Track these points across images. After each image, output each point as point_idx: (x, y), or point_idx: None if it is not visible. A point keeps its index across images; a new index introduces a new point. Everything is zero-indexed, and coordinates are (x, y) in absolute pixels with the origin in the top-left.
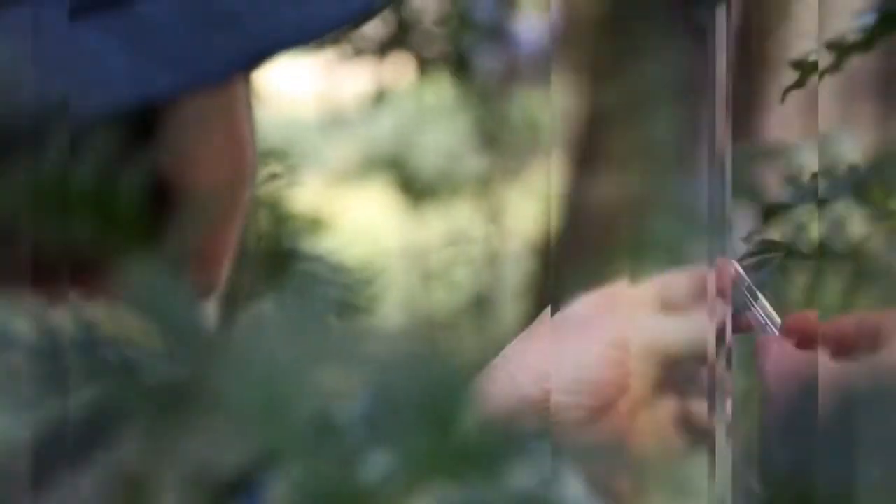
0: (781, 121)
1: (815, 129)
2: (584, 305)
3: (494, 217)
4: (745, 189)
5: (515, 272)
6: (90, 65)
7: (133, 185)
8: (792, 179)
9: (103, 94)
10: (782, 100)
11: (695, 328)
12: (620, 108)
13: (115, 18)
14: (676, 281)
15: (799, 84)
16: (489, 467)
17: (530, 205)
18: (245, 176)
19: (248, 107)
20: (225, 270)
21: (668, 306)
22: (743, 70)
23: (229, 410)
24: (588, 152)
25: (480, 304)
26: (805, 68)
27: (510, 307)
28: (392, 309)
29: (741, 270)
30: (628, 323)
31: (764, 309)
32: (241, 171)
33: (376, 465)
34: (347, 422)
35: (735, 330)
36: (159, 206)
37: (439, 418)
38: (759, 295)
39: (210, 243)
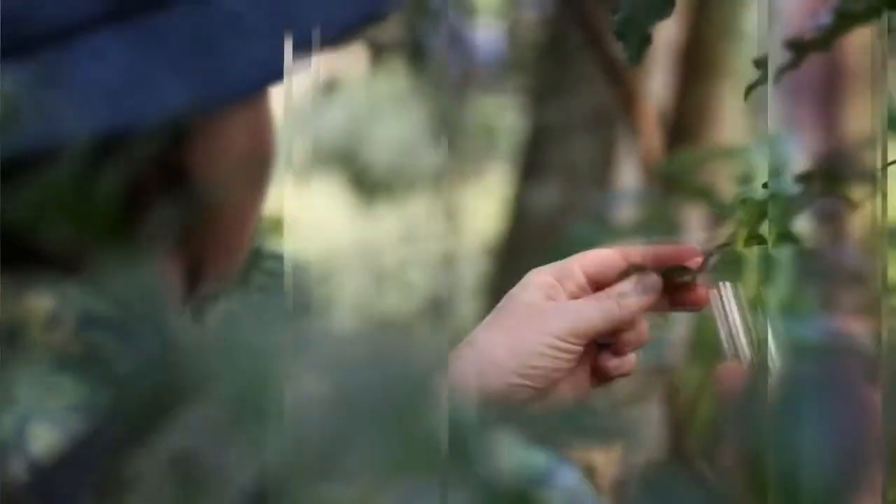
0: (726, 126)
1: (758, 134)
2: (531, 291)
3: (450, 216)
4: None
5: (470, 271)
6: (110, 79)
7: (112, 185)
8: (745, 180)
9: (115, 108)
10: (776, 81)
11: (617, 307)
12: (557, 127)
13: (133, 35)
14: (604, 258)
15: (795, 64)
16: (460, 460)
17: (485, 205)
18: (267, 171)
19: (270, 107)
20: (243, 256)
21: (597, 282)
22: (690, 80)
23: (206, 403)
24: (531, 164)
25: (435, 303)
26: (804, 46)
27: (465, 305)
28: (347, 307)
29: (732, 293)
30: (572, 313)
31: (742, 337)
32: (264, 168)
33: (346, 459)
34: (316, 417)
35: (681, 305)
36: (187, 200)
37: (405, 414)
38: (743, 323)
39: (234, 234)
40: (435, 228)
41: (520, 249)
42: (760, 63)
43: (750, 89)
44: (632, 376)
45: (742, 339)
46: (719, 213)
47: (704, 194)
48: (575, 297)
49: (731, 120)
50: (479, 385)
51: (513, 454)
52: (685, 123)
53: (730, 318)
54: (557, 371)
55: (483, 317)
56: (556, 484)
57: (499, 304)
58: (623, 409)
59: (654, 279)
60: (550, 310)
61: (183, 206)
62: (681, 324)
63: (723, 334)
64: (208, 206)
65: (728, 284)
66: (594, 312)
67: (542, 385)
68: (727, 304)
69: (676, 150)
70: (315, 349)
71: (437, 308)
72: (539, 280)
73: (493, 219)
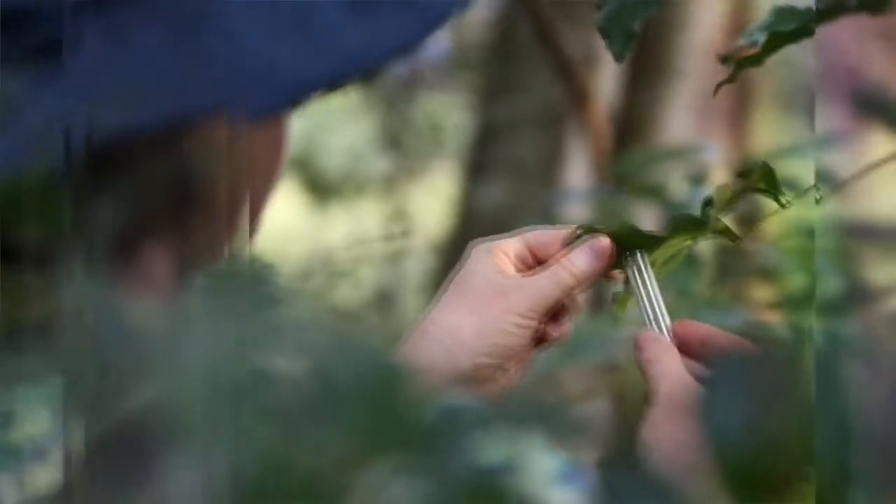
0: (673, 125)
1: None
2: (486, 266)
3: (397, 215)
4: (646, 189)
5: (418, 268)
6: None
7: (54, 182)
8: (696, 179)
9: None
10: (714, 94)
11: (572, 277)
12: (504, 126)
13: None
14: (546, 233)
15: (731, 79)
16: (436, 443)
17: (431, 204)
18: (279, 171)
19: (287, 118)
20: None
21: (540, 256)
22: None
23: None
24: (479, 162)
25: (383, 299)
26: (739, 63)
27: (413, 301)
28: (303, 301)
29: (645, 261)
30: (531, 289)
31: (657, 305)
32: (278, 168)
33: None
34: (290, 403)
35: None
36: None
37: (381, 397)
38: (657, 290)
39: (231, 223)
40: (383, 227)
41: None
42: (725, 59)
43: (719, 87)
44: (581, 374)
45: (659, 306)
46: (671, 212)
47: (656, 193)
48: (520, 270)
49: (678, 119)
50: (446, 364)
51: (529, 455)
52: (633, 122)
53: (648, 286)
54: (521, 347)
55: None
56: (570, 487)
57: (455, 279)
58: (573, 405)
59: (604, 244)
60: (511, 287)
61: (173, 194)
62: (632, 322)
63: (640, 300)
64: (203, 196)
65: (641, 253)
66: (550, 285)
67: (504, 362)
68: (643, 272)
69: (624, 149)
70: (285, 336)
71: (385, 303)
72: (490, 255)
73: (440, 217)
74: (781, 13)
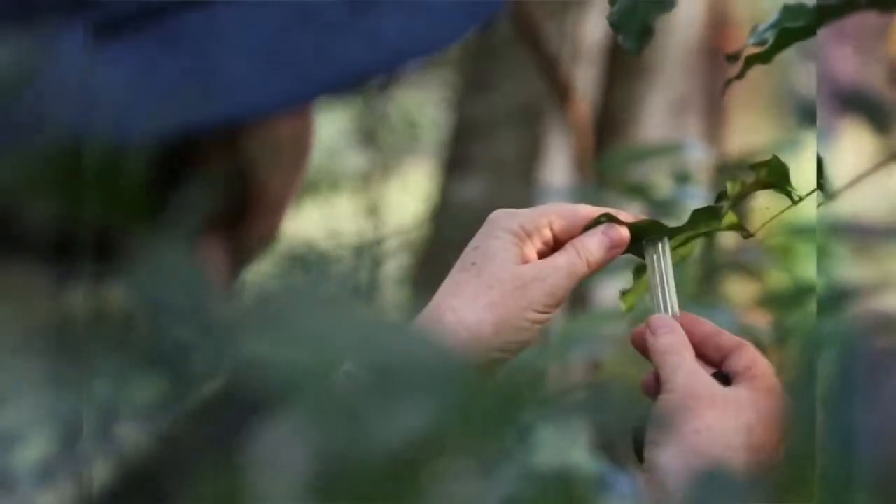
0: (651, 123)
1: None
2: (508, 250)
3: (372, 211)
4: (630, 186)
5: (393, 266)
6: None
7: (140, 165)
8: (681, 176)
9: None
10: (722, 93)
11: (586, 266)
12: (483, 122)
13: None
14: (570, 219)
15: (740, 76)
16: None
17: (408, 202)
18: (306, 166)
19: (313, 110)
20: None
21: (561, 238)
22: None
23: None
24: (456, 159)
25: (359, 296)
26: (747, 60)
27: (387, 297)
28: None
29: (666, 248)
30: (548, 282)
31: (668, 294)
32: (305, 163)
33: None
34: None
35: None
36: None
37: (453, 384)
38: (671, 280)
39: (277, 219)
40: (359, 223)
41: (444, 244)
42: (733, 57)
43: (727, 84)
44: (565, 370)
45: (671, 296)
46: (654, 210)
47: (639, 191)
48: (541, 253)
49: (658, 116)
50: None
51: (573, 456)
52: (613, 119)
53: (664, 275)
54: (532, 340)
55: (404, 306)
56: (613, 489)
57: (476, 257)
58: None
59: (622, 234)
60: (530, 280)
61: (232, 190)
62: (619, 319)
63: (655, 286)
64: (258, 191)
65: (665, 240)
66: (567, 277)
67: (516, 353)
68: (661, 260)
69: (604, 146)
70: (360, 329)
71: (361, 300)
72: (514, 238)
73: (417, 214)
74: (790, 10)
